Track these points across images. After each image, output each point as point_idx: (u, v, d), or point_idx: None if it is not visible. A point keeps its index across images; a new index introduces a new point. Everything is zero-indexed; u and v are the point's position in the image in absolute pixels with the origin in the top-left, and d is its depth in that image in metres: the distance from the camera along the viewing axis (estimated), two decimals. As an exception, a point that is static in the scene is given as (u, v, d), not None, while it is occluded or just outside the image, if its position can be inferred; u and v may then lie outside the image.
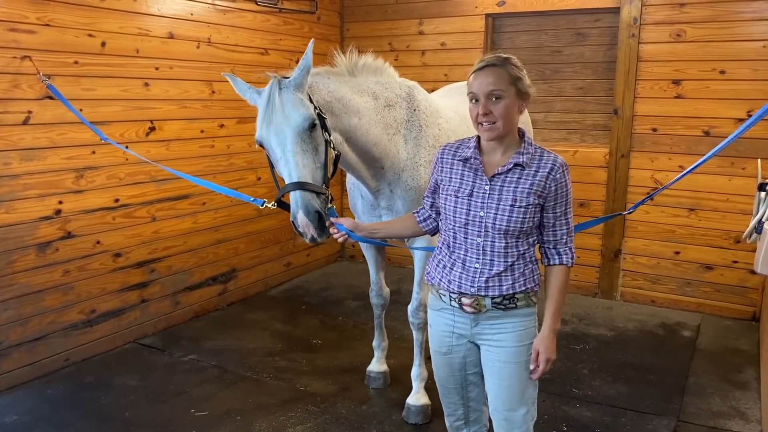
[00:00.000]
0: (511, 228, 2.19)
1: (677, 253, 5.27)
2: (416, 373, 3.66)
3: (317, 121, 2.65)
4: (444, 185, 2.35)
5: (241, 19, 5.13)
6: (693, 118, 5.07)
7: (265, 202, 2.94)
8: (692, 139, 5.09)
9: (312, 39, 2.84)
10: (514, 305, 2.26)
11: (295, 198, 2.57)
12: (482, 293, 2.24)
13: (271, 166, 2.75)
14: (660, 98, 5.17)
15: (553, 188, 2.20)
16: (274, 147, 2.62)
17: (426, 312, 3.52)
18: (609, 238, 5.49)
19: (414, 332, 3.62)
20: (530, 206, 2.19)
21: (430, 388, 3.64)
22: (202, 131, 4.91)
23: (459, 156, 2.33)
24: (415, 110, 3.27)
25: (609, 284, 5.56)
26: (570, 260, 2.28)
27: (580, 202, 5.58)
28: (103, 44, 4.08)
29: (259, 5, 5.21)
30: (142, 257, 4.53)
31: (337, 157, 2.82)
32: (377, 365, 3.99)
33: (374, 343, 4.01)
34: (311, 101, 2.69)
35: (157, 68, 4.46)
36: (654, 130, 5.22)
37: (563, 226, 2.25)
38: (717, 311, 5.18)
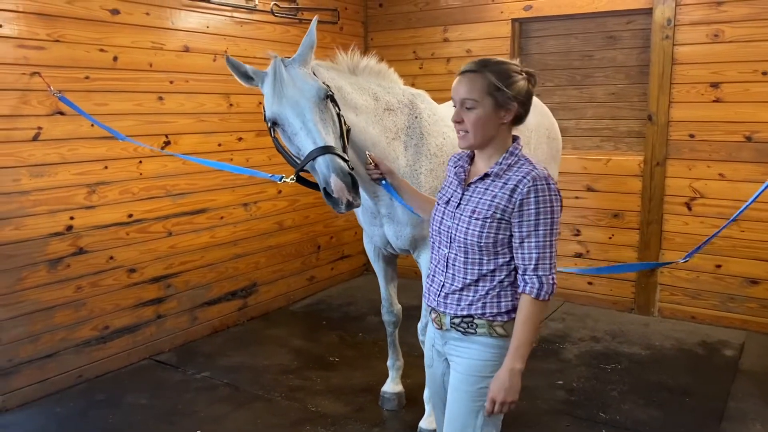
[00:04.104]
0: (468, 240, 2.02)
1: (718, 266, 4.95)
2: (429, 394, 3.47)
3: (330, 92, 2.64)
4: (438, 193, 2.28)
5: (260, 31, 5.07)
6: (733, 123, 4.76)
7: (283, 177, 2.90)
8: (733, 145, 4.78)
9: (316, 16, 2.86)
10: (473, 331, 2.07)
11: (326, 162, 2.49)
12: (441, 309, 2.13)
13: (279, 148, 2.73)
14: (697, 102, 4.88)
15: (518, 203, 1.97)
16: (292, 120, 2.57)
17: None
18: (644, 250, 5.19)
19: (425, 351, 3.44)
20: (488, 219, 2.00)
21: (444, 411, 3.47)
22: (219, 144, 4.85)
23: (458, 164, 2.22)
24: (416, 117, 3.15)
25: (646, 299, 5.26)
26: (535, 290, 1.97)
27: (614, 213, 5.32)
28: (115, 59, 4.06)
29: (276, 17, 5.15)
30: (158, 272, 4.48)
31: (348, 131, 2.76)
32: (391, 385, 3.82)
33: (388, 363, 3.85)
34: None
35: (171, 82, 4.43)
36: (691, 136, 4.93)
37: (531, 249, 1.97)
38: (763, 329, 4.82)
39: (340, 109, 2.72)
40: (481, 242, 2.01)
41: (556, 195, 1.99)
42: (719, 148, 4.84)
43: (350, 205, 2.53)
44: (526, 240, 1.98)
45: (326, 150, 2.49)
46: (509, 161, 2.04)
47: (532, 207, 1.96)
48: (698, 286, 5.06)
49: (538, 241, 1.97)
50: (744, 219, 4.77)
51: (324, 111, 2.60)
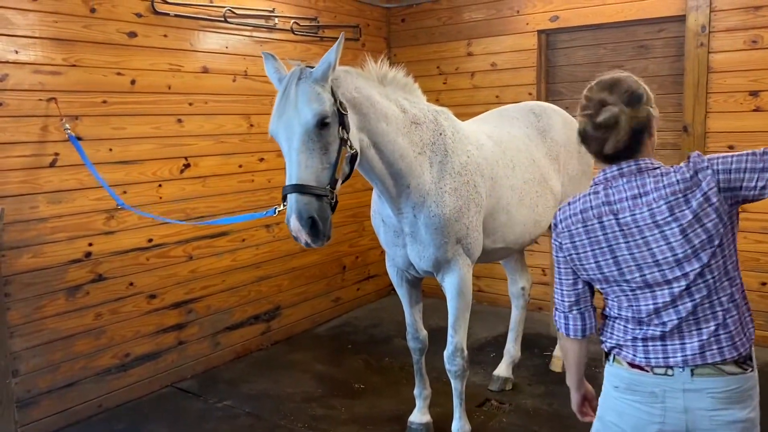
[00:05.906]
0: None
1: (763, 284, 4.69)
2: (457, 427, 3.32)
3: (329, 119, 2.48)
4: None
5: (280, 49, 4.98)
6: (776, 133, 4.53)
7: (277, 208, 2.82)
8: (775, 155, 4.53)
9: (342, 33, 2.79)
10: None
11: (290, 202, 2.46)
12: None
13: None
14: (736, 112, 4.65)
15: None
16: (282, 142, 2.53)
17: (463, 358, 3.20)
18: (683, 267, 4.95)
19: (452, 381, 3.29)
20: None
21: (474, 444, 3.31)
22: (240, 166, 4.77)
23: None
24: (441, 134, 3.04)
25: (686, 319, 5.01)
26: None
27: (649, 228, 5.09)
28: (133, 82, 4.01)
29: (296, 35, 5.08)
30: (179, 298, 4.39)
31: (354, 156, 2.64)
32: (419, 415, 3.65)
33: (415, 392, 3.69)
34: (333, 95, 2.53)
35: (190, 104, 4.36)
36: (730, 147, 4.70)
37: None
38: (814, 350, 4.55)
39: (348, 132, 2.57)
40: None
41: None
42: (761, 159, 4.59)
43: (308, 245, 2.52)
44: None
45: (295, 189, 2.45)
46: None
47: None
48: (742, 305, 4.80)
49: None
50: (790, 233, 4.53)
51: (315, 140, 2.47)
